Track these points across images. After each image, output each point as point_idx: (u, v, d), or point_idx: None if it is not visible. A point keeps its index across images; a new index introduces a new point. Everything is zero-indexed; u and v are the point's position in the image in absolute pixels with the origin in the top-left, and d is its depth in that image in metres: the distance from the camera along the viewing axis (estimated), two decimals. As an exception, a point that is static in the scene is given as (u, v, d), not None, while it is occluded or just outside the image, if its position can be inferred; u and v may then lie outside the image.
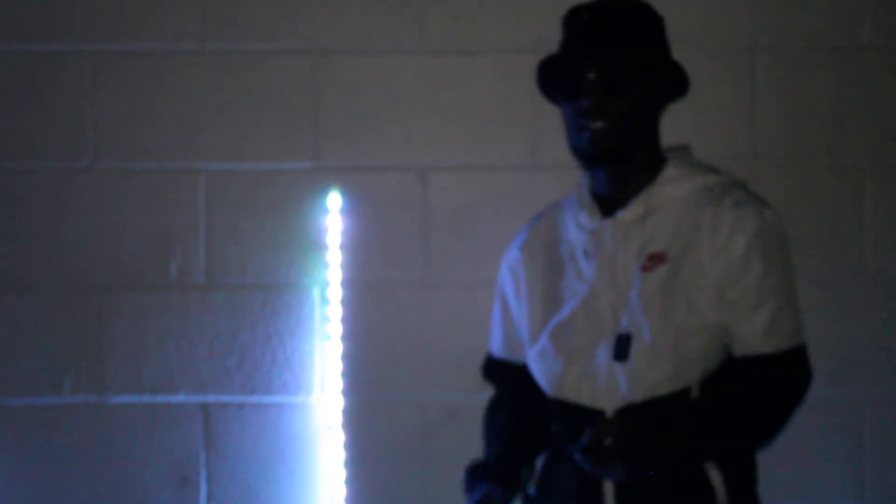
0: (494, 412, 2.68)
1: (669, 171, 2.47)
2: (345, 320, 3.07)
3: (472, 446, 3.09)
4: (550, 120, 3.10)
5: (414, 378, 3.10)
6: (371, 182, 3.10)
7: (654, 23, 2.48)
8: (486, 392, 3.10)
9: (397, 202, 3.10)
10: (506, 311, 2.64)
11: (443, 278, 3.10)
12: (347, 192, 3.08)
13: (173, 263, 3.09)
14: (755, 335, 2.37)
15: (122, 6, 3.09)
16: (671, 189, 2.45)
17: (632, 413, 2.36)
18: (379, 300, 3.10)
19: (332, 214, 3.07)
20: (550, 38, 3.09)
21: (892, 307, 3.09)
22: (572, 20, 2.48)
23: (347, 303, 3.08)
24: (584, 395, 2.42)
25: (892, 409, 3.08)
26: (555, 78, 2.49)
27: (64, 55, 3.08)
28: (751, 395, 2.36)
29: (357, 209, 3.09)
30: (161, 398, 3.08)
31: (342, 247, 3.08)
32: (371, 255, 3.09)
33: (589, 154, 2.43)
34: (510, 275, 2.63)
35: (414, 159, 3.11)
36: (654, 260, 2.41)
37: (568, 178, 3.08)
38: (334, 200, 3.07)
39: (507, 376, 2.66)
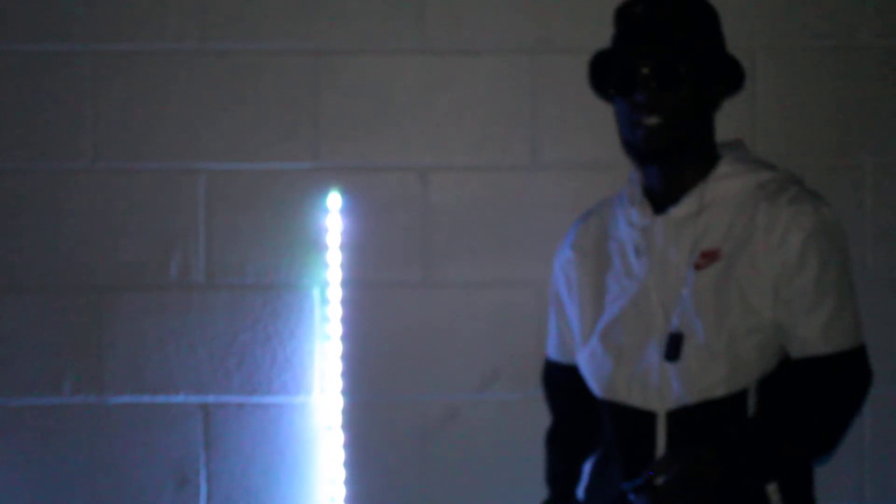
0: (555, 445, 2.63)
1: (723, 168, 2.40)
2: (345, 320, 3.07)
3: (473, 446, 3.10)
4: (550, 120, 3.11)
5: (414, 378, 3.10)
6: (371, 182, 3.10)
7: (709, 16, 2.42)
8: (487, 392, 3.10)
9: (397, 202, 3.10)
10: (560, 312, 2.58)
11: (443, 278, 3.10)
12: (347, 192, 3.08)
13: (173, 263, 3.09)
14: (813, 335, 2.30)
15: (122, 6, 3.08)
16: (725, 185, 2.38)
17: (686, 416, 2.31)
18: (379, 300, 3.10)
19: (332, 214, 3.07)
20: (551, 39, 3.11)
21: (893, 307, 3.09)
22: (625, 14, 2.40)
23: (347, 303, 3.08)
24: (634, 397, 2.36)
25: (892, 408, 3.09)
26: (608, 73, 2.42)
27: (64, 55, 3.08)
28: (811, 401, 2.30)
29: (357, 209, 3.09)
30: (161, 398, 3.08)
31: (342, 247, 3.08)
32: (371, 255, 3.09)
33: (643, 151, 2.36)
34: (563, 275, 2.57)
35: (414, 159, 3.11)
36: (708, 257, 2.35)
37: (568, 178, 3.10)
38: (334, 200, 3.07)
39: (563, 381, 2.59)
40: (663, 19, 2.37)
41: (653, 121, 2.34)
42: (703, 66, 2.37)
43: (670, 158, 2.38)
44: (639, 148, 2.38)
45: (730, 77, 2.44)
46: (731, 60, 2.43)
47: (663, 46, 2.35)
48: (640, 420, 2.35)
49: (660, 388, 2.34)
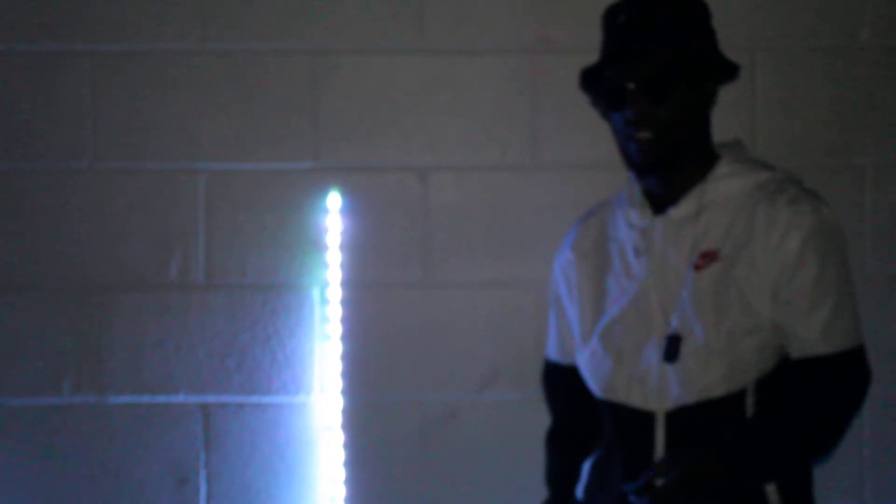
0: (555, 445, 2.64)
1: (722, 168, 2.40)
2: (344, 320, 3.07)
3: (472, 446, 3.10)
4: (550, 120, 3.11)
5: (414, 378, 3.10)
6: (371, 182, 3.10)
7: (695, 14, 2.39)
8: (487, 392, 3.10)
9: (397, 202, 3.10)
10: (560, 313, 2.59)
11: (443, 278, 3.10)
12: (347, 192, 3.08)
13: (173, 263, 3.09)
14: (813, 335, 2.30)
15: (122, 6, 3.08)
16: (724, 186, 2.38)
17: (684, 416, 2.31)
18: (379, 300, 3.10)
19: (332, 214, 3.07)
20: (550, 38, 3.11)
21: (892, 307, 3.09)
22: (609, 22, 2.38)
23: (347, 303, 3.08)
24: (634, 397, 2.37)
25: (892, 409, 3.09)
26: (598, 85, 2.41)
27: (64, 55, 3.08)
28: (811, 401, 2.30)
29: (357, 209, 3.09)
30: (161, 398, 3.08)
31: (342, 247, 3.08)
32: (371, 255, 3.09)
33: (639, 164, 2.36)
34: (563, 276, 2.57)
35: (414, 159, 3.11)
36: (707, 258, 2.35)
37: (568, 178, 3.10)
38: (334, 200, 3.07)
39: (562, 382, 2.60)
40: (648, 28, 2.34)
41: (645, 135, 2.34)
42: (693, 69, 2.35)
43: (667, 167, 2.38)
44: (634, 161, 2.38)
45: (723, 72, 2.42)
46: (722, 56, 2.41)
47: (649, 60, 2.32)
48: (640, 420, 2.35)
49: (659, 389, 2.34)
